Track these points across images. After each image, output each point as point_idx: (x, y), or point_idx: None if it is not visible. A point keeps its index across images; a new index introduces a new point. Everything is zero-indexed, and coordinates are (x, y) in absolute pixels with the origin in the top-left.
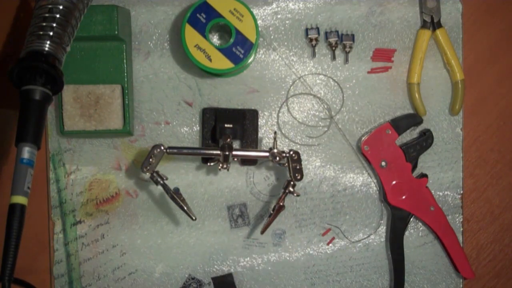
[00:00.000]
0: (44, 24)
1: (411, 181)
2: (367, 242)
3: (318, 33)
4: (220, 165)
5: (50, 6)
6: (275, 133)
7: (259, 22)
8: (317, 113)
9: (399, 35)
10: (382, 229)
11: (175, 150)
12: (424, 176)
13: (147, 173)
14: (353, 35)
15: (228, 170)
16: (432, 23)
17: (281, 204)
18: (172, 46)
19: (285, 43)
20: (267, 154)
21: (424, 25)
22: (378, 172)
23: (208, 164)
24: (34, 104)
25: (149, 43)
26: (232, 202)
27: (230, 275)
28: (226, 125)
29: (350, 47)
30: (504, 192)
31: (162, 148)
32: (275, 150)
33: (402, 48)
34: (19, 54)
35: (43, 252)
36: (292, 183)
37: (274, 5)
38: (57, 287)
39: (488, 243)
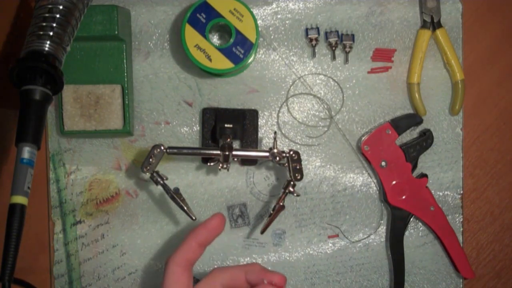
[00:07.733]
0: (44, 24)
1: (411, 181)
2: (367, 242)
3: (318, 33)
4: (220, 165)
5: (50, 6)
6: (275, 133)
7: (259, 22)
8: (317, 113)
9: (399, 35)
10: (382, 229)
11: (175, 150)
12: (424, 176)
13: (147, 173)
14: (353, 35)
15: (228, 170)
16: (432, 23)
17: (281, 204)
18: (172, 46)
19: (285, 43)
20: (267, 154)
21: (424, 25)
22: (378, 172)
23: (208, 164)
24: (34, 104)
25: (149, 43)
26: (232, 202)
27: None
28: (226, 125)
29: (350, 47)
30: (504, 192)
31: (162, 148)
32: (275, 150)
33: (402, 48)
34: (19, 54)
35: (43, 252)
36: (292, 183)
37: (274, 5)
38: (57, 287)
39: (488, 243)
